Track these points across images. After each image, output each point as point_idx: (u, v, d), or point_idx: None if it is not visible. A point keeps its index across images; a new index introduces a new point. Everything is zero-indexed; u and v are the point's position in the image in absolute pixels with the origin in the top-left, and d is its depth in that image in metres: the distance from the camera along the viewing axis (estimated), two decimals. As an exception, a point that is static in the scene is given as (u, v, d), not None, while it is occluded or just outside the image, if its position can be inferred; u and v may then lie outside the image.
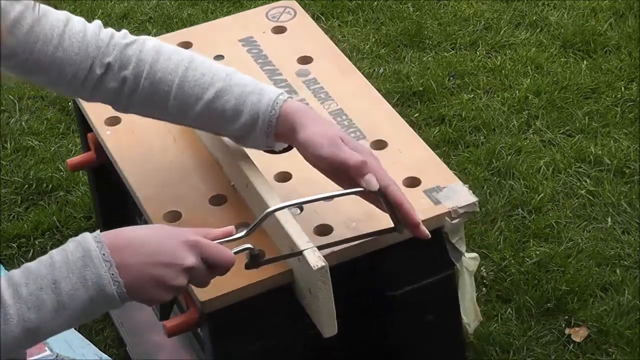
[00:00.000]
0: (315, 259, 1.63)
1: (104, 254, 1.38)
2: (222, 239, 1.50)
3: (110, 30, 1.76)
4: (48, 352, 2.23)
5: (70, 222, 2.73)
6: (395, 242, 1.80)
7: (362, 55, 3.27)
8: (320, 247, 1.68)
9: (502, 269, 2.56)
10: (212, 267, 1.46)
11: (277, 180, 1.89)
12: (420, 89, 3.13)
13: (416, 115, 3.03)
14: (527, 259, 2.59)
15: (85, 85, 1.74)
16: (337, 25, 3.42)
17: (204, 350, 1.95)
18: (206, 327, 1.78)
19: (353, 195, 1.70)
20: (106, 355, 2.29)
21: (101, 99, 1.78)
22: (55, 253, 1.39)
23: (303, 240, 1.67)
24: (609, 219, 2.71)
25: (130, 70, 1.72)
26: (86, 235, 1.40)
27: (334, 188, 1.73)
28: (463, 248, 1.89)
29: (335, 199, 1.80)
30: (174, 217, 1.85)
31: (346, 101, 2.08)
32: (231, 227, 1.52)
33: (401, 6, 3.50)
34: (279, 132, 1.71)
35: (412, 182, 1.89)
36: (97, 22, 1.76)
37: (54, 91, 1.82)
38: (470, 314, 2.10)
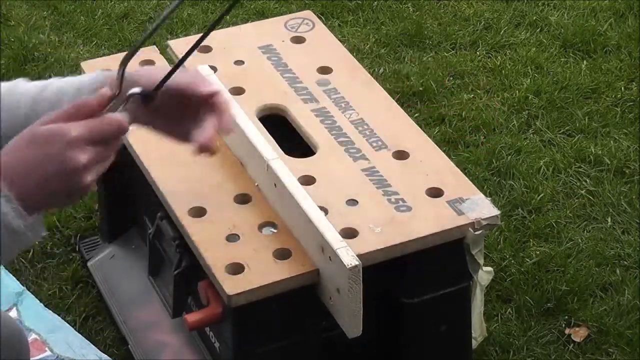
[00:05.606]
0: (349, 258, 1.65)
1: None
2: (103, 108, 1.30)
3: None
4: (48, 352, 2.23)
5: (70, 222, 2.73)
6: (417, 250, 1.82)
7: (362, 55, 3.27)
8: None
9: (502, 269, 2.56)
10: (108, 143, 1.29)
11: (302, 183, 1.89)
12: (420, 89, 3.13)
13: (416, 115, 3.03)
14: (527, 259, 2.58)
15: None
16: (337, 25, 3.42)
17: (213, 349, 1.95)
18: (229, 322, 1.78)
19: (379, 200, 1.79)
20: (106, 356, 2.29)
21: None
22: None
23: (336, 239, 1.68)
24: (609, 219, 2.71)
25: None
26: None
27: (357, 192, 1.80)
28: (481, 260, 1.91)
29: (362, 203, 1.84)
30: (198, 213, 1.86)
31: (367, 111, 2.10)
32: (105, 88, 1.31)
33: (401, 6, 3.50)
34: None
35: (435, 192, 1.91)
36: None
37: None
38: (477, 328, 2.10)
